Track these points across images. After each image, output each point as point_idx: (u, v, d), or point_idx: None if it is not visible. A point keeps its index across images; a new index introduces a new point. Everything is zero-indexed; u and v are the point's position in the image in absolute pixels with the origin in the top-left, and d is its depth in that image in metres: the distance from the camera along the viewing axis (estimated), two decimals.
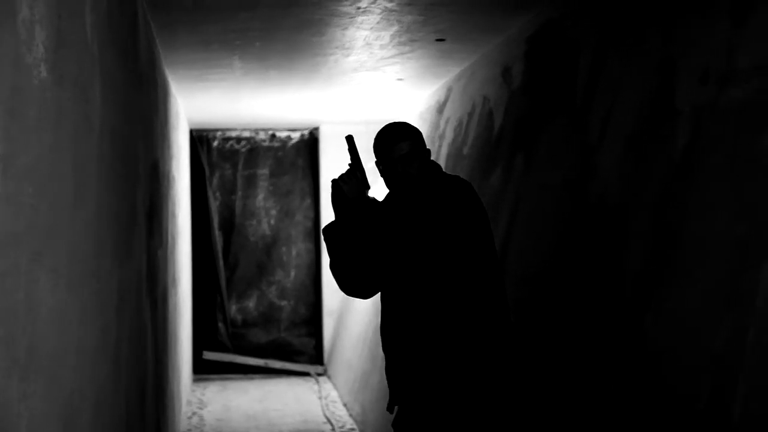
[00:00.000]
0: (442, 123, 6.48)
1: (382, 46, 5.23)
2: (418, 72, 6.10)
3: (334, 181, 2.98)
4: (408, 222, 2.82)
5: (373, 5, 4.32)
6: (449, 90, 6.39)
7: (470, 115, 5.66)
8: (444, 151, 6.18)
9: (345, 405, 7.69)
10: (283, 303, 9.50)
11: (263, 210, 9.54)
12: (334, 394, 8.25)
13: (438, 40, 5.07)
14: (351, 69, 5.96)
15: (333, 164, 9.33)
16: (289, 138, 9.57)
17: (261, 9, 4.43)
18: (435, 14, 4.50)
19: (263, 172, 9.52)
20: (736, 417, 2.15)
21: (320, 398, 8.06)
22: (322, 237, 3.05)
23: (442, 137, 6.37)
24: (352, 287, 2.93)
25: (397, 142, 2.95)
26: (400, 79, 6.39)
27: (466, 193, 2.88)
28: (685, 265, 2.56)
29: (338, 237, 2.93)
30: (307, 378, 9.11)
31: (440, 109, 6.62)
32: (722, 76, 2.53)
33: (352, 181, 2.97)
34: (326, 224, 2.98)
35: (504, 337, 2.78)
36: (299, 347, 9.47)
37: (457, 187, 2.89)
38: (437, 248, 2.77)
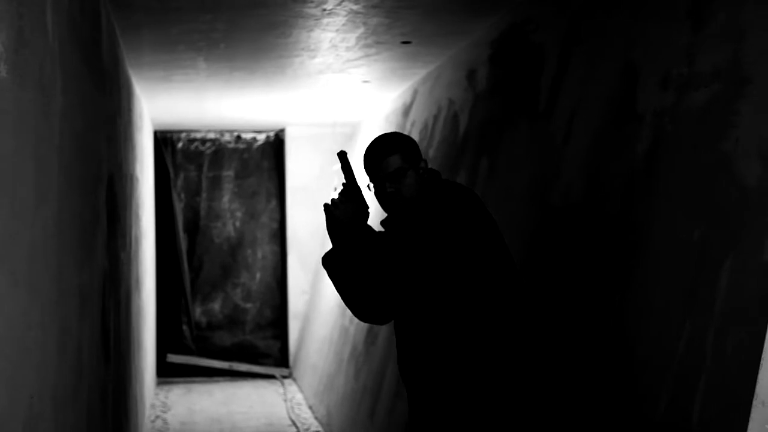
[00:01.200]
0: (407, 125, 6.49)
1: (347, 48, 5.24)
2: (384, 74, 6.11)
3: (326, 206, 2.67)
4: (408, 246, 2.54)
5: (338, 7, 4.32)
6: (415, 92, 6.41)
7: (436, 117, 5.68)
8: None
9: (310, 407, 7.67)
10: (249, 305, 9.46)
11: (228, 212, 9.50)
12: (299, 396, 8.23)
13: (403, 42, 5.08)
14: (317, 71, 5.96)
15: (299, 166, 9.31)
16: (254, 139, 9.54)
17: (225, 10, 4.41)
18: (400, 17, 4.51)
19: (228, 173, 9.48)
20: (695, 419, 2.18)
21: (285, 401, 8.04)
22: (322, 267, 2.80)
23: None
24: (365, 314, 2.68)
25: (384, 158, 2.65)
26: (366, 82, 6.40)
27: (468, 204, 2.57)
28: (649, 268, 2.59)
29: (338, 267, 2.66)
30: (273, 380, 9.08)
31: (406, 111, 6.64)
32: (682, 80, 2.57)
33: (345, 204, 2.65)
34: (325, 253, 2.72)
35: (525, 355, 2.55)
36: (264, 350, 9.43)
37: (457, 198, 2.58)
38: (443, 270, 2.51)
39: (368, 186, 2.71)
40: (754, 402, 1.94)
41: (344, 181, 2.69)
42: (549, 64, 3.76)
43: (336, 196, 2.69)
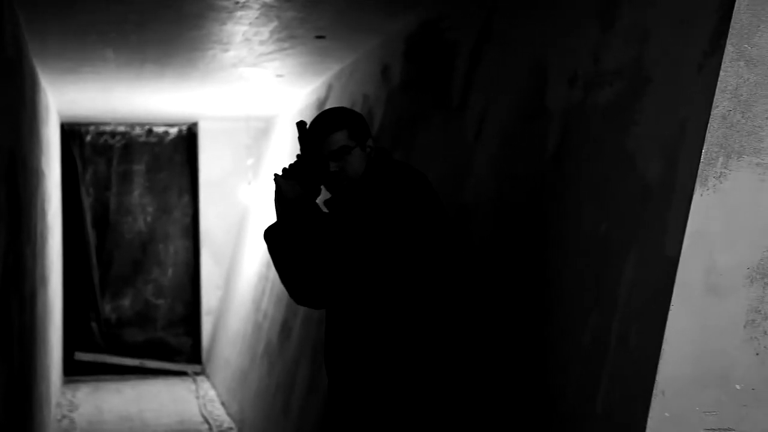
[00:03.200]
0: None
1: (261, 42, 5.19)
2: (299, 69, 6.09)
3: (275, 176, 2.49)
4: (348, 231, 2.37)
5: (251, 0, 4.28)
6: (330, 87, 6.40)
7: None
8: None
9: (223, 404, 7.60)
10: (160, 301, 9.31)
11: (139, 207, 9.32)
12: (212, 393, 8.14)
13: (318, 37, 5.07)
14: (230, 64, 5.89)
15: (212, 160, 9.20)
16: (166, 133, 9.38)
17: (137, 1, 4.32)
18: (314, 11, 4.50)
19: (139, 167, 9.31)
20: (599, 408, 2.24)
21: (198, 397, 7.95)
22: (263, 239, 2.58)
23: None
24: (302, 296, 2.48)
25: (328, 134, 2.46)
26: (280, 76, 6.36)
27: (416, 189, 2.40)
28: (557, 262, 2.65)
29: (279, 243, 2.48)
30: (185, 377, 8.96)
31: (320, 106, 6.62)
32: (589, 78, 2.63)
33: (295, 178, 2.46)
34: (268, 225, 2.53)
35: (452, 354, 2.41)
36: (177, 346, 9.30)
37: (405, 182, 2.41)
38: (381, 259, 2.34)
39: (322, 159, 2.49)
40: (655, 391, 2.01)
41: (299, 152, 2.51)
42: (461, 60, 3.81)
43: (287, 167, 2.51)
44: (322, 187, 2.52)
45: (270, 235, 2.50)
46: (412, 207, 2.37)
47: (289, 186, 2.47)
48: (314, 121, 2.52)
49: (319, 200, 2.57)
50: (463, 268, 2.46)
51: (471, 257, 2.49)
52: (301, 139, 2.50)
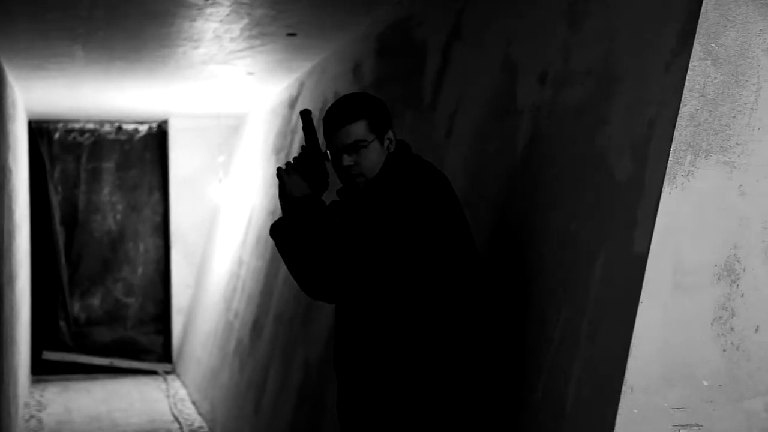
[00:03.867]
0: (294, 118, 6.46)
1: (232, 39, 5.17)
2: (270, 66, 6.07)
3: (279, 170, 2.33)
4: (361, 229, 2.22)
5: None
6: (301, 85, 6.39)
7: (321, 110, 5.67)
8: (296, 146, 6.17)
9: (194, 403, 7.56)
10: (130, 300, 9.24)
11: (109, 205, 9.24)
12: (182, 392, 8.10)
13: (289, 34, 5.06)
14: (200, 61, 5.86)
15: (183, 158, 9.14)
16: (136, 131, 9.30)
17: None
18: (286, 9, 4.49)
19: (109, 165, 9.22)
20: (569, 404, 2.25)
21: (168, 397, 7.90)
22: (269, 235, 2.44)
23: (294, 132, 6.36)
24: (313, 290, 2.30)
25: (344, 124, 2.27)
26: (251, 73, 6.34)
27: (436, 190, 2.25)
28: (529, 259, 2.66)
29: (286, 239, 2.32)
30: (155, 377, 8.90)
31: (292, 104, 6.61)
32: (559, 77, 2.65)
33: (299, 173, 2.30)
34: (274, 221, 2.40)
35: (464, 360, 2.30)
36: (147, 345, 9.24)
37: (425, 182, 2.25)
38: (394, 261, 2.20)
39: (326, 153, 2.31)
40: (624, 388, 2.02)
41: (304, 144, 2.33)
42: (433, 58, 3.81)
43: (292, 161, 2.33)
44: (329, 180, 2.35)
45: (276, 231, 2.36)
46: (429, 209, 2.21)
47: (294, 183, 2.30)
48: (331, 109, 2.32)
49: (327, 194, 2.42)
50: (475, 272, 2.33)
51: (480, 262, 2.37)
52: (305, 129, 2.30)
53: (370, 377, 2.27)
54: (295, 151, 6.16)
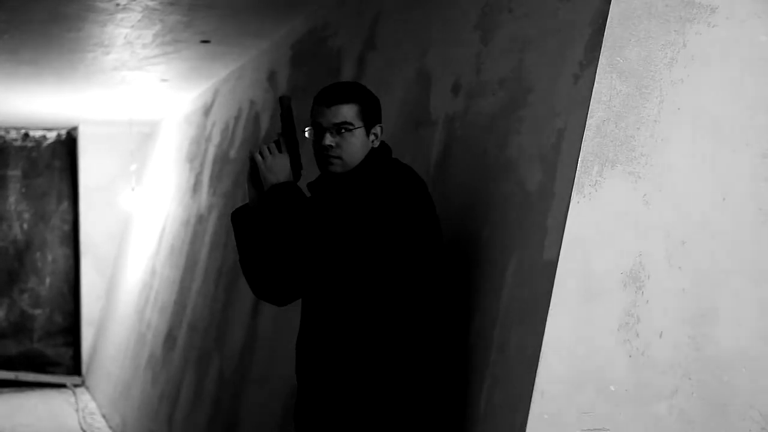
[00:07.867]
0: (208, 125, 6.39)
1: (144, 45, 5.08)
2: (184, 73, 5.99)
3: (251, 154, 2.24)
4: (331, 224, 2.13)
5: (133, 3, 4.19)
6: (216, 92, 6.32)
7: (237, 118, 5.62)
8: (211, 154, 6.10)
9: (104, 416, 7.38)
10: (37, 312, 8.98)
11: (15, 213, 8.97)
12: (92, 405, 7.90)
13: (203, 41, 5.00)
14: (111, 68, 5.74)
15: (94, 166, 8.93)
16: (44, 138, 9.06)
17: None
18: (199, 15, 4.44)
19: (15, 173, 8.96)
20: (482, 408, 2.28)
21: (77, 410, 7.70)
22: (230, 221, 2.33)
23: (208, 140, 6.28)
24: (263, 289, 2.24)
25: (335, 103, 2.20)
26: (165, 80, 6.24)
27: (413, 194, 2.20)
28: (442, 267, 2.68)
29: (249, 227, 2.24)
30: (64, 390, 8.66)
31: (207, 111, 6.53)
32: (471, 87, 2.69)
33: (276, 157, 2.21)
34: (236, 208, 2.30)
35: (424, 363, 2.26)
36: (55, 358, 8.98)
37: (403, 184, 2.19)
38: (362, 261, 2.15)
39: (305, 131, 2.25)
40: (534, 393, 2.06)
41: (280, 131, 2.26)
42: (348, 67, 3.82)
43: (274, 143, 2.25)
44: (303, 172, 2.28)
45: (238, 218, 2.26)
46: (406, 211, 2.17)
47: (278, 165, 2.20)
48: (325, 88, 2.27)
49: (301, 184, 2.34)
50: (440, 279, 2.30)
51: (446, 266, 2.35)
52: (283, 116, 2.25)
53: (334, 381, 2.22)
54: (210, 160, 6.08)
